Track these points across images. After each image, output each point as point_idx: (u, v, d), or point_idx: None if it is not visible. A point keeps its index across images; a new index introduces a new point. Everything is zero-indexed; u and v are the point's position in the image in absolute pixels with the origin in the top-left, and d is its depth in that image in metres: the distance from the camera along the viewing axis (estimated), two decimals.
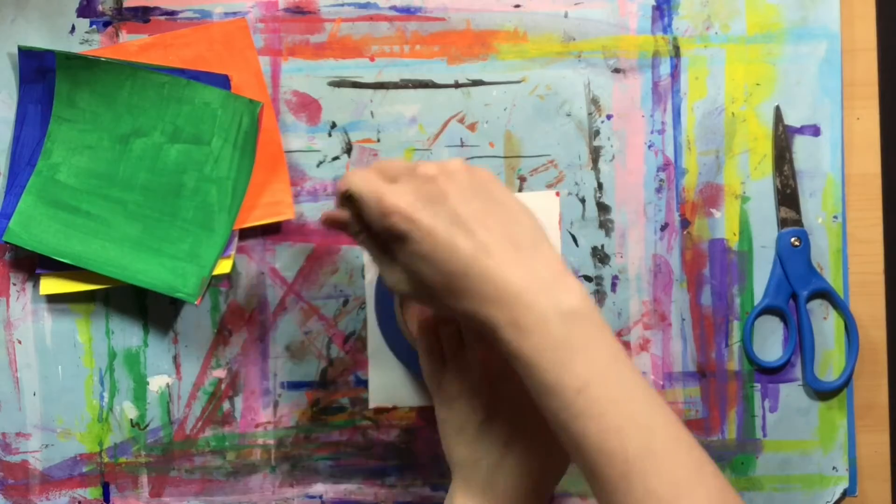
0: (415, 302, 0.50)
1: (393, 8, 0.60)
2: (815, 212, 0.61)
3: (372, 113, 0.60)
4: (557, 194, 0.60)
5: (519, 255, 0.44)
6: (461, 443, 0.50)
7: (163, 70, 0.58)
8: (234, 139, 0.58)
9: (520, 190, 0.60)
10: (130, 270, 0.58)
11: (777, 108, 0.60)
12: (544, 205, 0.60)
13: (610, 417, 0.41)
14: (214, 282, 0.60)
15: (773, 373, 0.61)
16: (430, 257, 0.44)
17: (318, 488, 0.61)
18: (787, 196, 0.60)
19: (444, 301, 0.44)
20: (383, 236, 0.46)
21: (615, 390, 0.42)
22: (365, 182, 0.46)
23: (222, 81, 0.58)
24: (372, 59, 0.60)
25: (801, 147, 0.61)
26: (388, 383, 0.61)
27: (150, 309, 0.60)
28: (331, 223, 0.49)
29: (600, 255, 0.61)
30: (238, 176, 0.58)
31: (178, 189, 0.59)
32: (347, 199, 0.47)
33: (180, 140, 0.58)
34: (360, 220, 0.47)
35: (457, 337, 0.52)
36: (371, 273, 0.60)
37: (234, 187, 0.58)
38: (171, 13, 0.60)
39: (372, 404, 0.61)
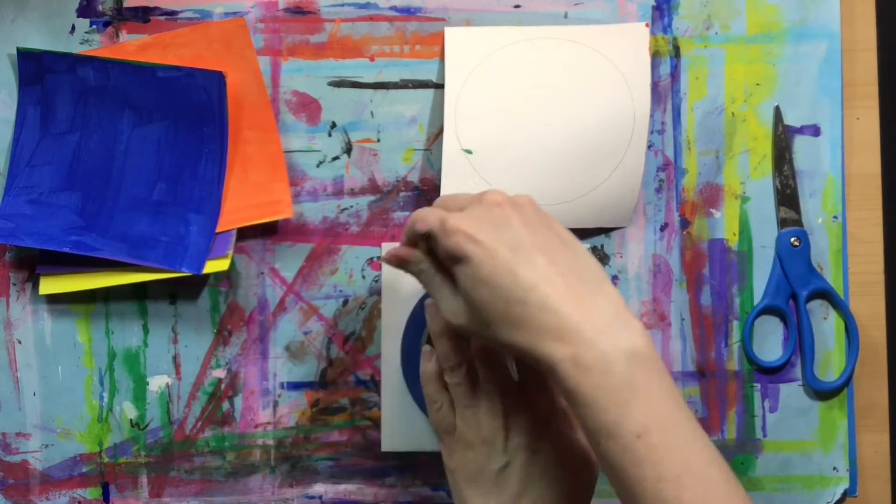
0: (472, 336, 0.48)
1: (393, 8, 0.60)
2: (815, 212, 0.61)
3: (372, 113, 0.60)
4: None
5: (582, 289, 0.43)
6: (476, 493, 0.49)
7: (158, 67, 0.58)
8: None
9: None
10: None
11: (777, 108, 0.60)
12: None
13: (668, 465, 0.40)
14: (214, 282, 0.61)
15: (773, 373, 0.61)
16: (490, 281, 0.43)
17: (318, 488, 0.61)
18: (787, 196, 0.60)
19: (502, 333, 0.43)
20: (446, 262, 0.46)
21: (674, 438, 0.41)
22: (430, 211, 0.47)
23: (217, 78, 0.58)
24: (372, 59, 0.60)
25: (801, 147, 0.60)
26: (402, 427, 0.60)
27: (150, 309, 0.61)
28: (395, 260, 0.49)
29: (600, 255, 0.61)
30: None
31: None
32: (420, 236, 0.47)
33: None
34: (428, 256, 0.47)
35: (471, 383, 0.50)
36: (388, 315, 0.59)
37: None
38: (171, 13, 0.60)
39: (384, 448, 0.60)
